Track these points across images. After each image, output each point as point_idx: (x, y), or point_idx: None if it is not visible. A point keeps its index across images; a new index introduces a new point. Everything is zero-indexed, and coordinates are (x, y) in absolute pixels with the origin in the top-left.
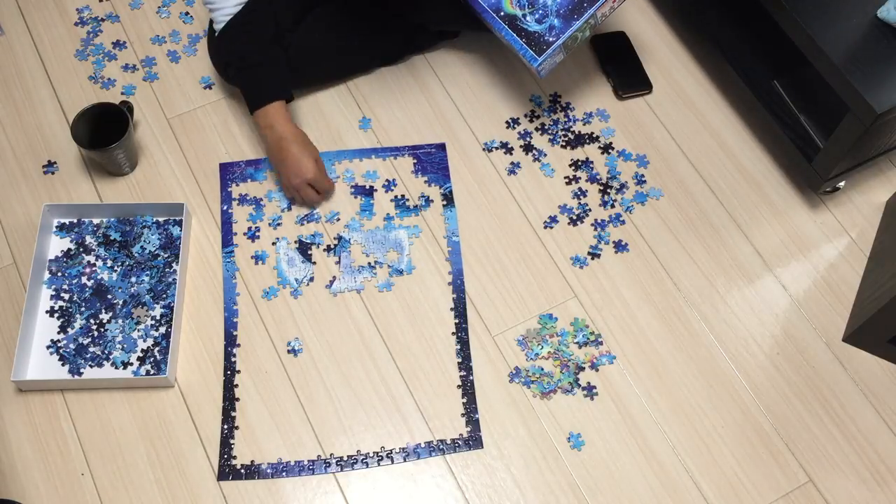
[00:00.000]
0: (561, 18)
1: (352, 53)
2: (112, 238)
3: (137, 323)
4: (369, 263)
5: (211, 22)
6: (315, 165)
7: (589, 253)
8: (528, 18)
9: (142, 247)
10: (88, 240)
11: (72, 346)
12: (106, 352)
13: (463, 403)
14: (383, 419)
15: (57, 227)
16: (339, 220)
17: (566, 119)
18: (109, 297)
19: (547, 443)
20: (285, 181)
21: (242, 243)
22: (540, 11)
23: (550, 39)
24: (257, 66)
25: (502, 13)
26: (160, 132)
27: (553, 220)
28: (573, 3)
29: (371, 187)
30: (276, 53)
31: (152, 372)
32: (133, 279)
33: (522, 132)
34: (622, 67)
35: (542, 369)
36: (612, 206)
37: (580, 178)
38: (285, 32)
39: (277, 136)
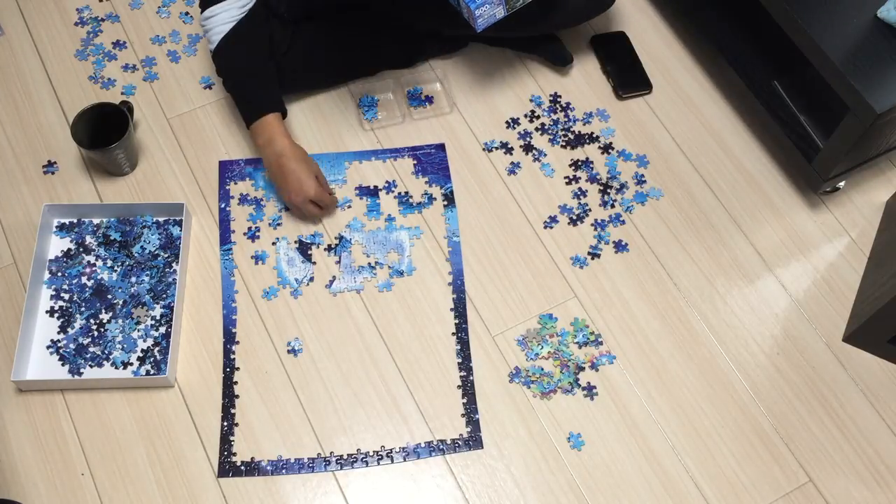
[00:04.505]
0: None
1: (360, 61)
2: (112, 238)
3: (137, 323)
4: (369, 264)
5: None
6: (315, 182)
7: (589, 253)
8: None
9: (142, 247)
10: (88, 240)
11: (72, 346)
12: (106, 352)
13: (463, 403)
14: (383, 419)
15: (57, 227)
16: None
17: (566, 119)
18: (109, 297)
19: (547, 443)
20: (286, 198)
21: (242, 243)
22: None
23: None
24: (251, 78)
25: None
26: (160, 132)
27: (553, 220)
28: None
29: (375, 187)
30: (271, 69)
31: (152, 372)
32: (133, 279)
33: (522, 132)
34: (622, 67)
35: (542, 369)
36: (612, 206)
37: (580, 178)
38: (281, 45)
39: (276, 152)
